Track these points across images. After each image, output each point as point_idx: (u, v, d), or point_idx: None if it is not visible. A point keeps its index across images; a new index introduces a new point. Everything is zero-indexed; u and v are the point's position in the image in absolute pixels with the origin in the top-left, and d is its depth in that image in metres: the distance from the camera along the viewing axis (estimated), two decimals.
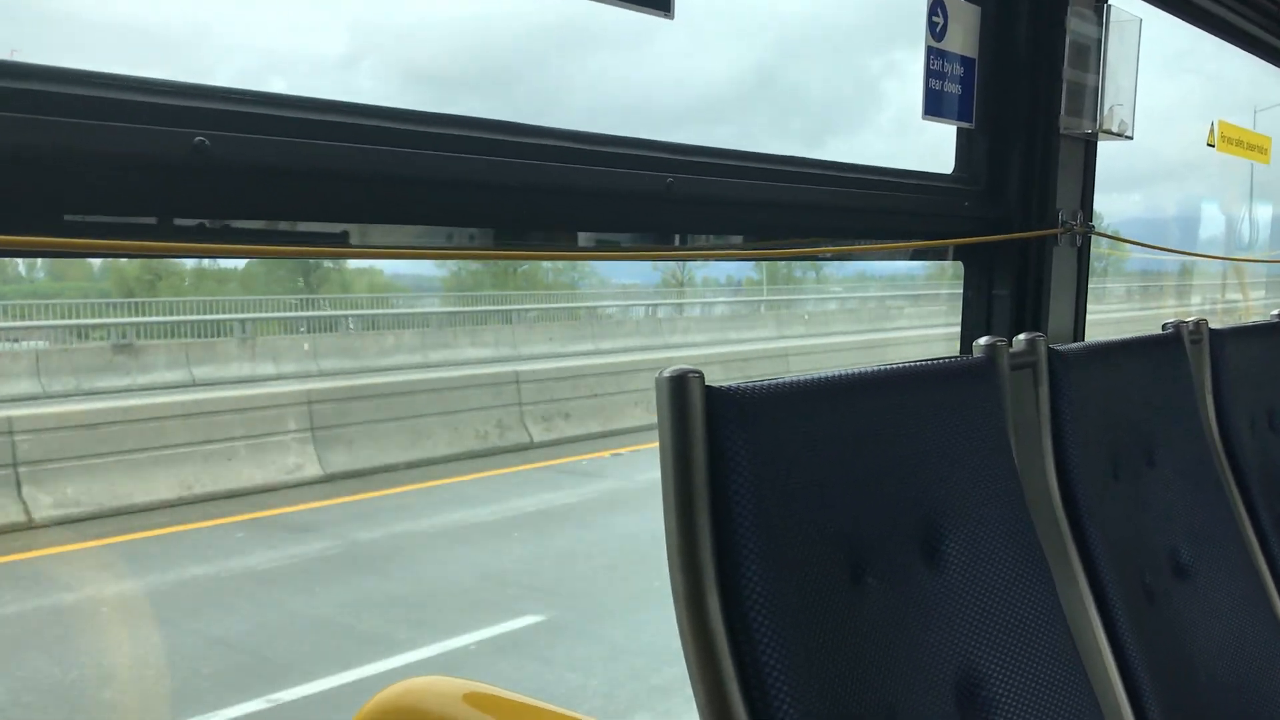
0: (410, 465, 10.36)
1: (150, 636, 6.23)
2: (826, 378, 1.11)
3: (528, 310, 18.02)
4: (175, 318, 14.85)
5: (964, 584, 1.18)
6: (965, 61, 1.83)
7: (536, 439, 11.65)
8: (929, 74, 1.77)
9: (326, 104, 1.06)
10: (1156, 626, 1.54)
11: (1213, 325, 1.98)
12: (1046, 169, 1.91)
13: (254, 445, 9.58)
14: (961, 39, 1.81)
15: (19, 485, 8.23)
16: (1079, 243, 1.99)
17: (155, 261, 15.67)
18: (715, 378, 0.98)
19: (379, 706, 1.07)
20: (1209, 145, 3.02)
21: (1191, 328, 1.91)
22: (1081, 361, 1.57)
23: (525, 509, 9.14)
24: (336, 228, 1.15)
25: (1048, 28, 1.87)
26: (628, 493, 9.79)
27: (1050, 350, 1.52)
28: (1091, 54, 1.93)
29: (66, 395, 10.89)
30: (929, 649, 1.12)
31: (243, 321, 14.38)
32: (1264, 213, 11.08)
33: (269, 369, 12.75)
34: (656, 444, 0.96)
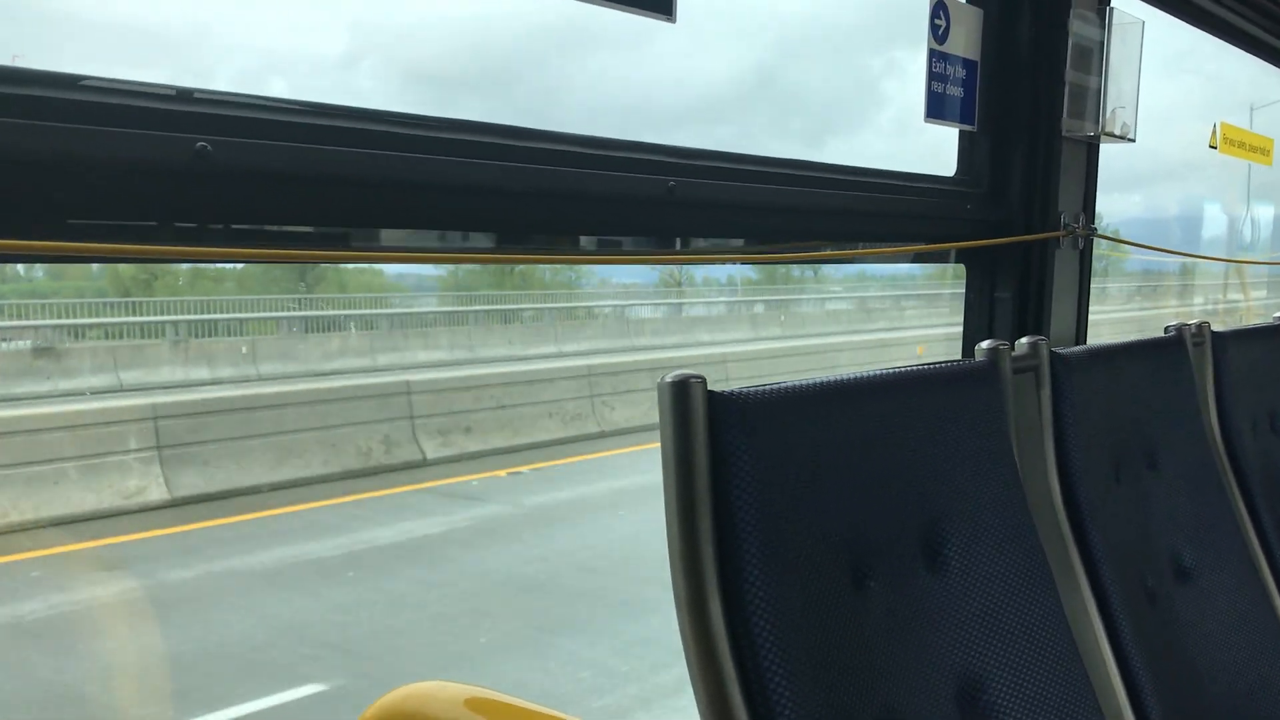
0: (274, 487, 9.24)
1: None
2: (828, 382, 1.11)
3: (494, 310, 17.42)
4: (113, 319, 13.49)
5: (966, 587, 1.18)
6: (967, 64, 1.83)
7: (430, 456, 10.56)
8: (931, 76, 1.76)
9: (327, 109, 1.06)
10: (1158, 629, 1.54)
11: (1215, 326, 1.98)
12: (1049, 172, 1.91)
13: (87, 466, 8.44)
14: (964, 41, 1.81)
15: None
16: (1081, 245, 1.98)
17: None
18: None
19: (381, 712, 1.07)
20: (1211, 147, 3.02)
21: (1193, 330, 1.91)
22: (1084, 364, 1.57)
23: (377, 541, 7.94)
24: (338, 232, 1.15)
25: (1050, 30, 1.87)
26: (508, 520, 8.61)
27: (1052, 353, 1.53)
28: (1094, 56, 1.93)
29: None
30: (931, 652, 1.12)
31: (228, 322, 13.58)
32: (1265, 213, 11.08)
33: (203, 373, 11.68)
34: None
